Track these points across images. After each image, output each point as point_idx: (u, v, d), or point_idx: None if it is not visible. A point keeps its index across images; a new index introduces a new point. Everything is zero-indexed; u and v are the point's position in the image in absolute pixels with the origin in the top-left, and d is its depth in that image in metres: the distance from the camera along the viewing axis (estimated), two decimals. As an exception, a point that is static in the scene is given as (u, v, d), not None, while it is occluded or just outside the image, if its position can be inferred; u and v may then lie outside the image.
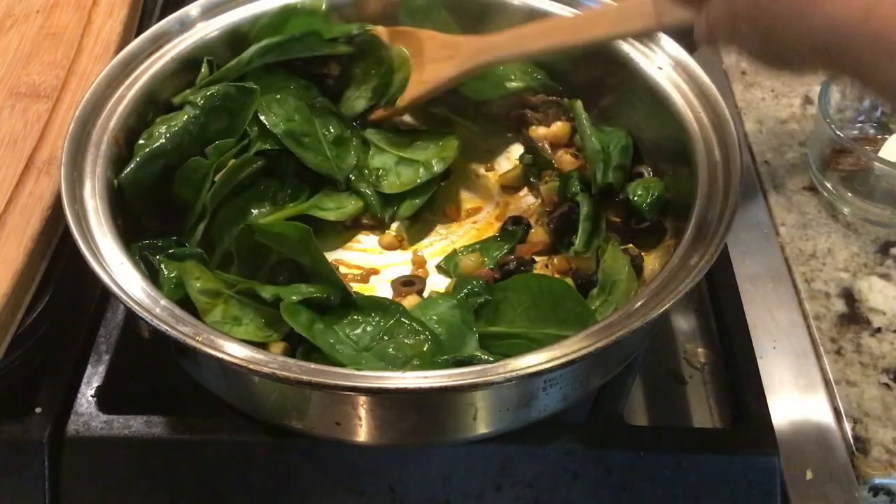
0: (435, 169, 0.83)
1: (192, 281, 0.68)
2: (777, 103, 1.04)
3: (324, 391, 0.62)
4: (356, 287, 0.77)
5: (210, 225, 0.76)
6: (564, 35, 0.81)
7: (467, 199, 0.86)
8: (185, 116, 0.77)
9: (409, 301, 0.74)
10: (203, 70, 0.82)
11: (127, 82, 0.79)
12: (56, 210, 0.74)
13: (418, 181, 0.83)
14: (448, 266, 0.79)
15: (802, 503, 0.70)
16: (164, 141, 0.76)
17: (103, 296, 0.79)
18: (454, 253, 0.80)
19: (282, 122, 0.80)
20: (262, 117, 0.80)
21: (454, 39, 0.83)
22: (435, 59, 0.83)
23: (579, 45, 0.81)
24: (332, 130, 0.84)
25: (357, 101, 0.87)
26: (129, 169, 0.74)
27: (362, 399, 0.63)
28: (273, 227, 0.70)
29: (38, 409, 0.70)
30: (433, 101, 0.86)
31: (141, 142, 0.76)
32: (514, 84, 0.89)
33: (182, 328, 0.61)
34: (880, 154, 0.88)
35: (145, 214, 0.76)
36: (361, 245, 0.82)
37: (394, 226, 0.83)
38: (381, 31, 0.86)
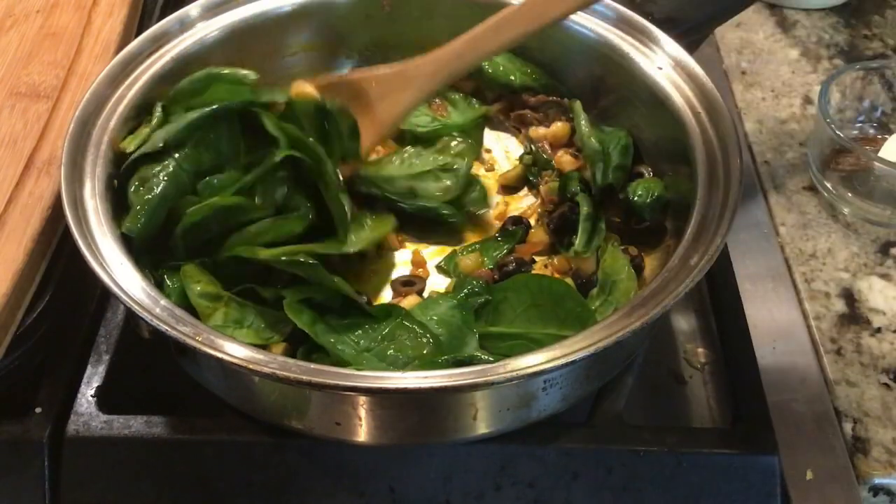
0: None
1: (192, 285, 0.68)
2: (777, 103, 1.04)
3: (324, 391, 0.62)
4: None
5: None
6: (521, 23, 0.76)
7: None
8: (177, 155, 0.72)
9: (409, 301, 0.74)
10: (157, 115, 0.77)
11: (127, 82, 0.79)
12: (56, 210, 0.74)
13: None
14: (448, 266, 0.79)
15: (802, 503, 0.70)
16: (163, 183, 0.71)
17: (103, 296, 0.79)
18: (454, 253, 0.80)
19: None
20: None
21: (396, 69, 0.78)
22: (382, 95, 0.78)
23: (539, 29, 0.76)
24: None
25: None
26: (139, 223, 0.70)
27: (362, 399, 0.63)
28: (281, 262, 0.69)
29: (38, 409, 0.70)
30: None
31: (140, 191, 0.71)
32: (513, 81, 0.89)
33: (182, 328, 0.61)
34: (880, 154, 0.88)
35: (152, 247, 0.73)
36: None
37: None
38: (307, 89, 0.77)
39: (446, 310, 0.70)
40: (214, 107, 0.73)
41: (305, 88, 0.76)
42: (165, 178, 0.71)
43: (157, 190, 0.71)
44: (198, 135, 0.73)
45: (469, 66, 0.79)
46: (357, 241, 0.74)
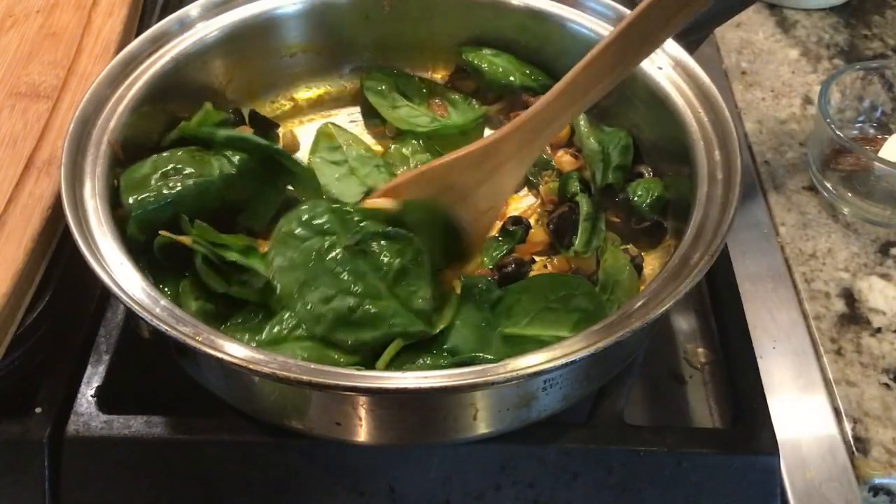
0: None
1: (190, 302, 0.69)
2: (777, 103, 1.04)
3: (324, 391, 0.62)
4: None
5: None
6: (616, 67, 0.63)
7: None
8: (219, 172, 0.74)
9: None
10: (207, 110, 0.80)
11: (127, 82, 0.79)
12: (56, 210, 0.74)
13: None
14: None
15: (802, 503, 0.70)
16: (190, 187, 0.72)
17: (103, 296, 0.79)
18: None
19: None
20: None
21: (483, 146, 0.67)
22: (480, 181, 0.69)
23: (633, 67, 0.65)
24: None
25: None
26: (146, 208, 0.70)
27: (362, 399, 0.63)
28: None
29: (38, 409, 0.70)
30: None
31: (157, 181, 0.71)
32: (513, 82, 0.89)
33: (182, 328, 0.61)
34: (880, 154, 0.88)
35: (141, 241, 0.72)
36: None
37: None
38: (382, 203, 0.70)
39: (464, 311, 0.70)
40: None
41: (379, 203, 0.69)
42: (194, 183, 0.72)
43: (179, 189, 0.71)
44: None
45: (566, 124, 0.70)
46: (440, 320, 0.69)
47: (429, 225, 0.70)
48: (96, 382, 0.73)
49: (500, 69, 0.89)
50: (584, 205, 0.78)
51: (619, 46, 0.63)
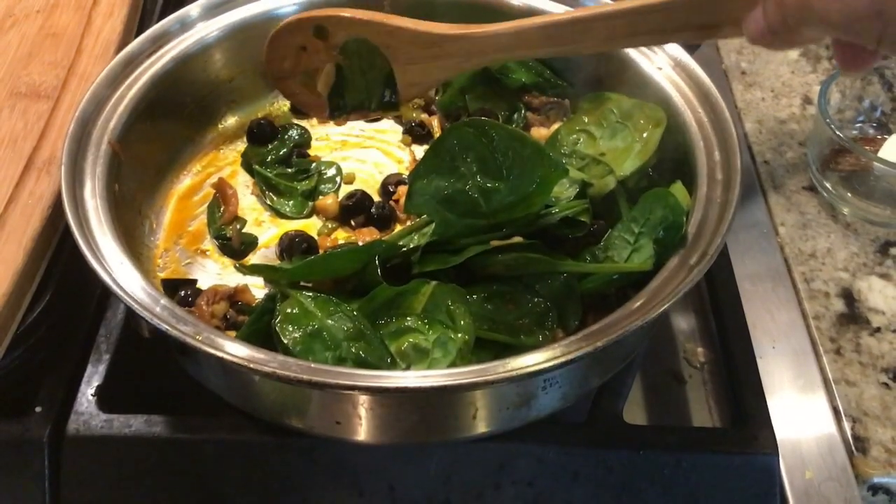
0: None
1: None
2: (777, 103, 1.04)
3: (324, 390, 0.62)
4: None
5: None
6: (575, 39, 0.66)
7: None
8: None
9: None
10: None
11: (127, 82, 0.79)
12: (56, 210, 0.74)
13: None
14: None
15: (802, 503, 0.70)
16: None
17: (103, 295, 0.79)
18: None
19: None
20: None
21: (433, 35, 0.69)
22: (415, 58, 0.72)
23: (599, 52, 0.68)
24: None
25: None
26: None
27: (363, 398, 0.63)
28: None
29: (38, 409, 0.70)
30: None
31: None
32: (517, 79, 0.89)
33: (182, 328, 0.61)
34: (880, 154, 0.88)
35: None
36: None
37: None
38: (343, 16, 0.72)
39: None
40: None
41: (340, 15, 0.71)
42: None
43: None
44: None
45: (508, 59, 0.72)
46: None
47: (368, 53, 0.71)
48: (96, 382, 0.73)
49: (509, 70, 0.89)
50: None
51: (613, 23, 0.63)
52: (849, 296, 0.84)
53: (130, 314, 0.75)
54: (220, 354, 0.59)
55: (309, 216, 0.83)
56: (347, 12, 0.70)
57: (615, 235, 0.72)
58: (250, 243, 0.80)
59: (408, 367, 0.64)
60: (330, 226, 0.82)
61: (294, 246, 0.78)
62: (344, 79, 0.72)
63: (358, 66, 0.71)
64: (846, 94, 0.94)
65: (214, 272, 0.78)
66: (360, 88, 0.72)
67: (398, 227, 0.81)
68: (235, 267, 0.78)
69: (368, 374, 0.60)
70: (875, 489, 0.72)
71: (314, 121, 0.88)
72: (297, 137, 0.88)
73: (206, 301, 0.72)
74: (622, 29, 0.63)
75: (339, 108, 0.73)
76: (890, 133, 0.93)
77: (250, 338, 0.65)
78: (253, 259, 0.79)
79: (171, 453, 0.69)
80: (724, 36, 0.59)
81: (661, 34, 0.62)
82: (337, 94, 0.73)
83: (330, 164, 0.86)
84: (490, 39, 0.68)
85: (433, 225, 0.71)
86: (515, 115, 0.87)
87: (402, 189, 0.81)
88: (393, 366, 0.63)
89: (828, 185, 0.91)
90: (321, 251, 0.78)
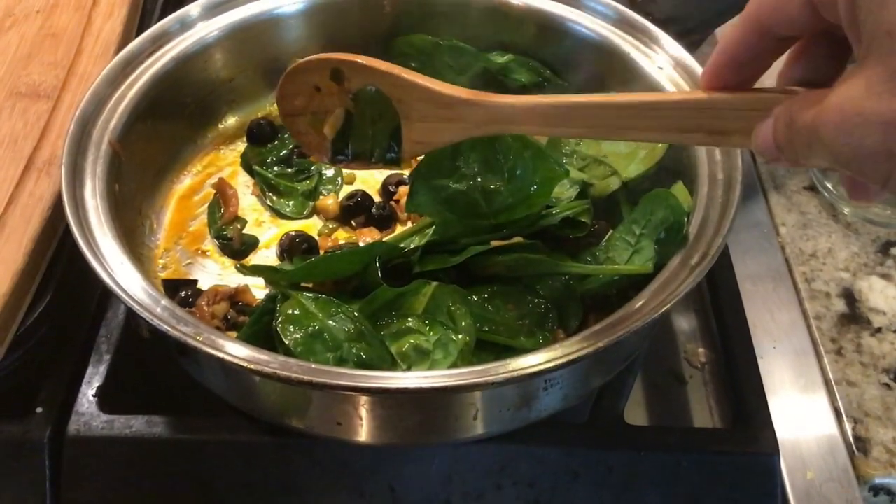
0: None
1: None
2: (777, 103, 1.04)
3: (325, 391, 0.62)
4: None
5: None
6: (613, 129, 0.62)
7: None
8: None
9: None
10: None
11: (127, 82, 0.79)
12: (56, 210, 0.74)
13: None
14: None
15: (802, 503, 0.70)
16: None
17: (104, 296, 0.79)
18: None
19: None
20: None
21: (444, 96, 0.66)
22: (426, 117, 0.68)
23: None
24: None
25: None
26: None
27: (363, 399, 0.63)
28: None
29: (38, 409, 0.70)
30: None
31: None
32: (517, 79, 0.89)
33: (182, 328, 0.61)
34: (880, 154, 0.88)
35: None
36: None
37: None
38: (360, 62, 0.69)
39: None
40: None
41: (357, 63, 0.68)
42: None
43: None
44: None
45: (517, 133, 0.69)
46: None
47: (380, 104, 0.69)
48: (97, 382, 0.73)
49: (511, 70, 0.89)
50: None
51: (625, 113, 0.61)
52: (850, 296, 0.84)
53: (131, 315, 0.75)
54: (220, 355, 0.59)
55: (309, 216, 0.83)
56: (365, 59, 0.70)
57: (616, 236, 0.72)
58: (251, 244, 0.80)
59: (409, 368, 0.64)
60: (330, 226, 0.82)
61: (294, 246, 0.78)
62: (352, 126, 0.72)
63: (368, 115, 0.70)
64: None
65: (215, 272, 0.78)
66: (366, 138, 0.72)
67: (399, 228, 0.81)
68: (236, 267, 0.78)
69: (369, 375, 0.60)
70: (876, 490, 0.72)
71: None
72: None
73: (207, 301, 0.72)
74: (634, 122, 0.61)
75: (342, 155, 0.73)
76: (890, 133, 0.92)
77: (251, 338, 0.65)
78: (253, 259, 0.79)
79: (172, 454, 0.69)
80: (734, 144, 0.58)
81: (679, 133, 0.61)
82: (342, 139, 0.73)
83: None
84: (504, 110, 0.65)
85: (434, 225, 0.71)
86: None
87: (403, 189, 0.82)
88: (394, 367, 0.64)
89: (829, 185, 0.91)
90: (322, 251, 0.78)
